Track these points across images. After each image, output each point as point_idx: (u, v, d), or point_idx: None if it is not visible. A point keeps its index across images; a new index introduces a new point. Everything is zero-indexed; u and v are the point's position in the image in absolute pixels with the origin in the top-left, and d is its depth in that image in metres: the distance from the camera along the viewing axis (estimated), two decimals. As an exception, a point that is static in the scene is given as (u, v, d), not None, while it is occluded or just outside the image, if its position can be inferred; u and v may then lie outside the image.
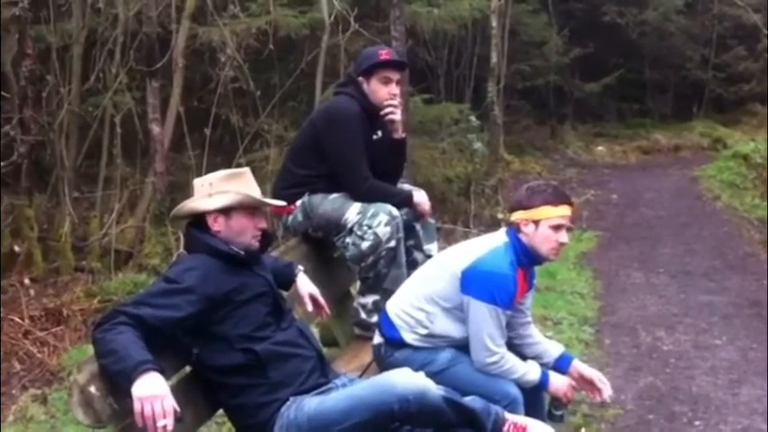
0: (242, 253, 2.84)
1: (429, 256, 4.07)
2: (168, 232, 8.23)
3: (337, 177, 3.93)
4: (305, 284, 3.33)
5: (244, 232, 2.88)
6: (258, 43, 9.60)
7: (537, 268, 3.36)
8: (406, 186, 4.27)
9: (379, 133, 4.06)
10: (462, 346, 3.17)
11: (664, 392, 4.97)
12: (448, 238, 8.50)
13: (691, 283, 7.60)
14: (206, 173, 3.36)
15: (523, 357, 3.25)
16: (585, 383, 3.35)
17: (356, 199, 3.89)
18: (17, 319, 6.62)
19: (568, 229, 3.18)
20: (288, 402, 2.71)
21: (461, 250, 3.25)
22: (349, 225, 3.84)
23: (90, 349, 2.62)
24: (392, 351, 3.24)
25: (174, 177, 9.30)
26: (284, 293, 3.13)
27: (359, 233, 3.81)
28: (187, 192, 3.71)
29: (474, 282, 3.08)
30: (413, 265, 3.92)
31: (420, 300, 3.21)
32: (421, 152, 11.37)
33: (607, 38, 17.67)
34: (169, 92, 9.42)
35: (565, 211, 3.15)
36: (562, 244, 3.16)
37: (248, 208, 2.89)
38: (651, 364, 5.49)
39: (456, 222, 10.44)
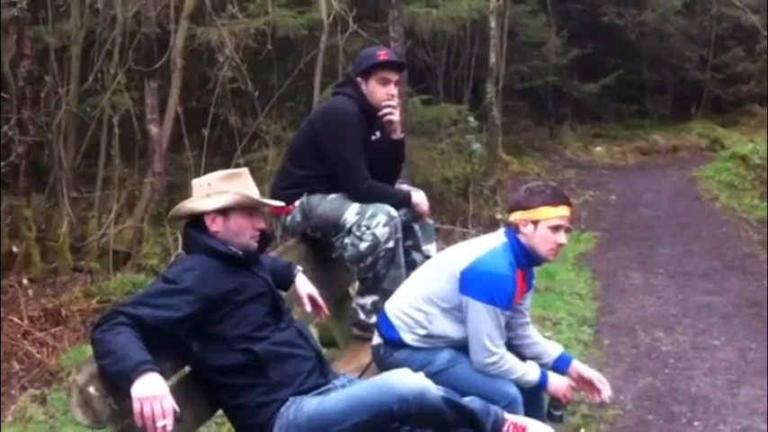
0: (240, 253, 2.83)
1: (428, 257, 4.06)
2: (167, 233, 8.22)
3: (336, 178, 3.92)
4: (304, 285, 3.32)
5: (242, 233, 2.87)
6: (256, 44, 9.61)
7: (536, 269, 3.35)
8: (405, 187, 4.27)
9: (378, 134, 4.06)
10: (461, 347, 3.17)
11: (663, 393, 4.97)
12: (446, 239, 8.51)
13: (689, 284, 7.60)
14: (204, 173, 3.36)
15: (523, 358, 3.25)
16: (585, 384, 3.35)
17: (355, 199, 3.88)
18: (16, 320, 6.62)
19: (567, 230, 3.19)
20: (287, 403, 2.71)
21: (460, 251, 3.25)
22: (347, 225, 3.84)
23: (89, 350, 2.62)
24: (391, 351, 3.24)
25: (172, 178, 9.30)
26: (283, 294, 3.12)
27: (357, 234, 3.81)
28: (185, 192, 3.71)
29: (473, 282, 3.08)
30: (411, 266, 3.92)
31: (419, 300, 3.21)
32: (419, 153, 11.38)
33: (606, 39, 17.69)
34: (167, 92, 9.42)
35: (564, 211, 3.15)
36: (561, 245, 3.16)
37: (246, 208, 2.89)
38: (650, 365, 5.49)
39: (455, 223, 10.44)
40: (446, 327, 3.17)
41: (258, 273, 2.91)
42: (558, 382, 3.23)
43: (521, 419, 2.87)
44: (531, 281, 3.35)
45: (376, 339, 3.34)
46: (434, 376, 2.85)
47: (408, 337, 3.21)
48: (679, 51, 18.77)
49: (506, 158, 14.39)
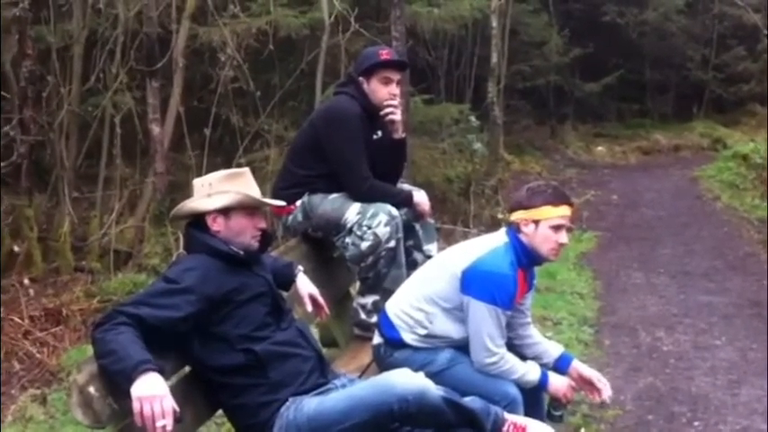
0: (241, 253, 2.83)
1: (429, 257, 4.06)
2: (168, 232, 8.23)
3: (337, 177, 3.92)
4: (304, 285, 3.32)
5: (243, 232, 2.88)
6: (258, 43, 9.60)
7: (537, 269, 3.36)
8: (406, 186, 4.27)
9: (380, 133, 4.06)
10: (462, 347, 3.17)
11: (663, 393, 4.97)
12: (448, 239, 8.50)
13: (690, 284, 7.60)
14: (206, 173, 3.37)
15: (523, 358, 3.25)
16: (585, 384, 3.35)
17: (356, 199, 3.89)
18: (17, 320, 6.62)
19: (568, 230, 3.19)
20: (287, 403, 2.71)
21: (461, 250, 3.25)
22: (348, 225, 3.84)
23: (89, 349, 2.62)
24: (392, 351, 3.24)
25: (173, 177, 9.30)
26: (284, 294, 3.13)
27: (358, 233, 3.81)
28: (187, 192, 3.71)
29: (474, 282, 3.08)
30: (412, 266, 3.92)
31: (420, 300, 3.21)
32: (421, 152, 11.37)
33: (607, 38, 17.67)
34: (169, 92, 9.42)
35: (565, 211, 3.15)
36: (562, 244, 3.16)
37: (248, 208, 2.89)
38: (651, 365, 5.49)
39: (456, 222, 10.44)
40: (447, 327, 3.17)
41: (259, 272, 2.91)
42: (558, 382, 3.23)
43: (521, 419, 2.87)
44: (532, 280, 3.35)
45: (376, 339, 3.34)
46: (435, 376, 2.85)
47: (409, 337, 3.21)
48: (681, 51, 18.75)
49: (508, 158, 14.38)
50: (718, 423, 4.52)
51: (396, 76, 4.01)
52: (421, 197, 4.12)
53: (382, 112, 3.99)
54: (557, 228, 3.12)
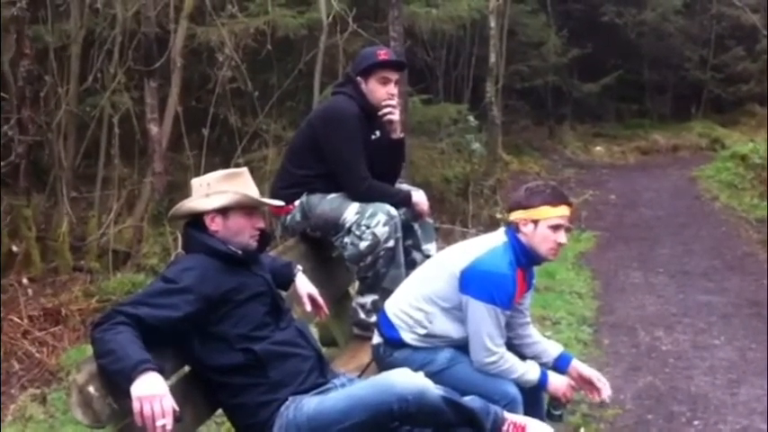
0: (240, 253, 2.83)
1: (427, 256, 4.06)
2: (166, 232, 8.23)
3: (336, 177, 3.92)
4: (303, 284, 3.32)
5: (241, 232, 2.87)
6: (256, 43, 9.61)
7: (536, 268, 3.36)
8: (405, 186, 4.27)
9: (378, 133, 4.06)
10: (461, 346, 3.17)
11: (662, 392, 4.97)
12: (446, 239, 8.50)
13: (689, 283, 7.60)
14: (204, 173, 3.37)
15: (522, 357, 3.25)
16: (584, 383, 3.35)
17: (354, 199, 3.88)
18: (16, 319, 6.62)
19: (567, 230, 3.19)
20: (287, 402, 2.71)
21: (460, 250, 3.25)
22: (347, 225, 3.84)
23: (89, 349, 2.62)
24: (391, 351, 3.24)
25: (172, 177, 9.30)
26: (283, 293, 3.12)
27: (357, 233, 3.81)
28: (185, 192, 3.71)
29: (473, 282, 3.08)
30: (411, 265, 3.92)
31: (419, 300, 3.21)
32: (419, 152, 11.38)
33: (606, 38, 17.69)
34: (167, 92, 9.42)
35: (564, 211, 3.15)
36: (561, 244, 3.16)
37: (246, 208, 2.89)
38: (650, 364, 5.48)
39: (454, 222, 10.44)
40: (446, 326, 3.17)
41: (258, 272, 2.90)
42: (557, 382, 3.23)
43: (520, 419, 2.87)
44: (530, 280, 3.35)
45: (376, 339, 3.34)
46: (434, 376, 2.85)
47: (408, 337, 3.21)
48: (679, 51, 18.77)
49: (506, 158, 14.39)
50: (718, 422, 4.52)
51: (394, 77, 4.01)
52: (419, 197, 4.12)
53: (380, 113, 3.99)
54: (555, 227, 3.12)
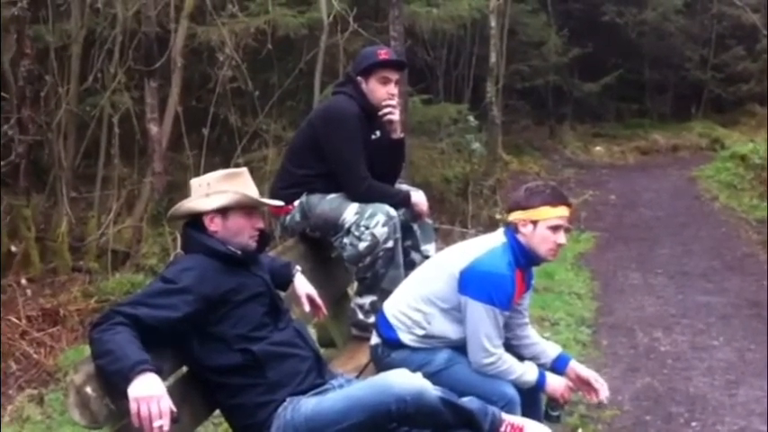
0: (239, 253, 2.83)
1: (426, 257, 4.06)
2: (165, 232, 8.23)
3: (335, 177, 3.92)
4: (302, 285, 3.32)
5: (241, 232, 2.87)
6: (257, 43, 9.61)
7: (535, 269, 3.36)
8: (405, 187, 4.27)
9: (378, 133, 4.06)
10: (460, 347, 3.17)
11: (661, 393, 4.97)
12: (446, 239, 8.50)
13: (689, 284, 7.60)
14: (204, 173, 3.36)
15: (521, 358, 3.25)
16: (582, 384, 3.34)
17: (354, 199, 3.88)
18: (14, 320, 6.62)
19: (566, 230, 3.19)
20: (285, 403, 2.71)
21: (459, 251, 3.25)
22: (346, 225, 3.84)
23: (87, 350, 2.62)
24: (389, 352, 3.24)
25: (171, 177, 9.30)
26: (282, 294, 3.12)
27: (356, 233, 3.81)
28: (185, 192, 3.70)
29: (472, 282, 3.08)
30: (410, 266, 3.92)
31: (417, 300, 3.21)
32: (419, 152, 11.38)
33: (606, 38, 17.68)
34: (167, 91, 9.42)
35: (563, 211, 3.15)
36: (560, 245, 3.16)
37: (245, 208, 2.89)
38: (648, 365, 5.48)
39: (454, 223, 10.44)
40: (445, 327, 3.17)
41: (257, 272, 2.90)
42: (555, 383, 3.23)
43: (518, 420, 2.87)
44: (529, 281, 3.35)
45: (374, 339, 3.34)
46: (432, 376, 2.85)
47: (407, 338, 3.21)
48: (679, 50, 18.77)
49: (506, 158, 14.39)
50: (716, 423, 4.52)
51: (394, 76, 4.01)
52: (419, 197, 4.12)
53: (380, 112, 3.99)
54: (555, 228, 3.12)
